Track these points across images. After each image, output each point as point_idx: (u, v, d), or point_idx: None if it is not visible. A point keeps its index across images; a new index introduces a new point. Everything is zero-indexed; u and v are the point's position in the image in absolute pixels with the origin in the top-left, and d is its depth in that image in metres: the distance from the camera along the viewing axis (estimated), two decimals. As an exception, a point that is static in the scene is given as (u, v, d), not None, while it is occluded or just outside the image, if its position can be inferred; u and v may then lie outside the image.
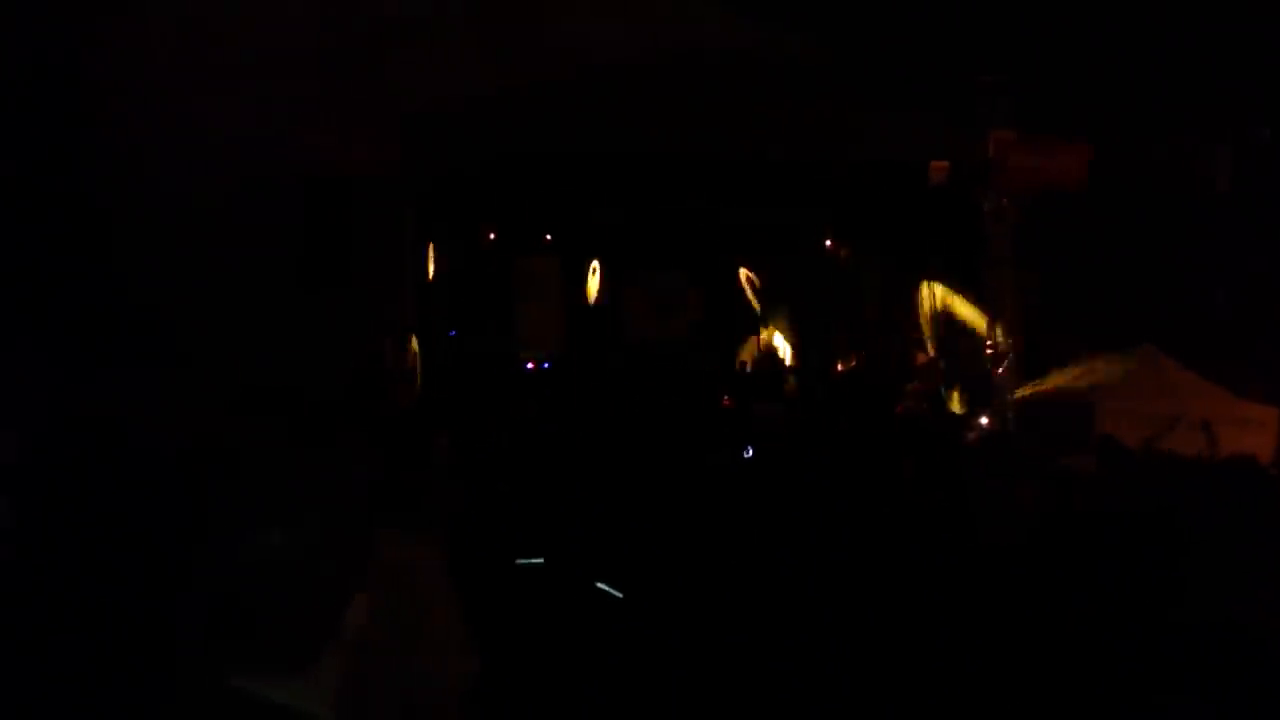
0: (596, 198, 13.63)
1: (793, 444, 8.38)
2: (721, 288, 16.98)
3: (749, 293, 15.56)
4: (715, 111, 8.78)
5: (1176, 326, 8.91)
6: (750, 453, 8.47)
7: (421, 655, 2.90)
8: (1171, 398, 8.10)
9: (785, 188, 12.37)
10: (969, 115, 8.79)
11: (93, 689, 2.98)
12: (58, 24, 7.12)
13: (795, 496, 6.03)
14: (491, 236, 15.50)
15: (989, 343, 9.88)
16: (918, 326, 13.26)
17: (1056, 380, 9.17)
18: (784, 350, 16.59)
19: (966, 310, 12.03)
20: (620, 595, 5.11)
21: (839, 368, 14.76)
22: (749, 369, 15.71)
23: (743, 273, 15.38)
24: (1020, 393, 9.38)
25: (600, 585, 5.12)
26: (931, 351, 12.77)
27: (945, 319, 12.69)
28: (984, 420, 9.57)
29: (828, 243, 15.95)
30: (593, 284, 16.65)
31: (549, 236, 16.02)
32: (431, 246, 12.36)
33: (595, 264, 16.61)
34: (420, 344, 10.24)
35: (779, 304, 16.93)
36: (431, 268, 12.45)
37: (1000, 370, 9.57)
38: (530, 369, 15.52)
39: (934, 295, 12.90)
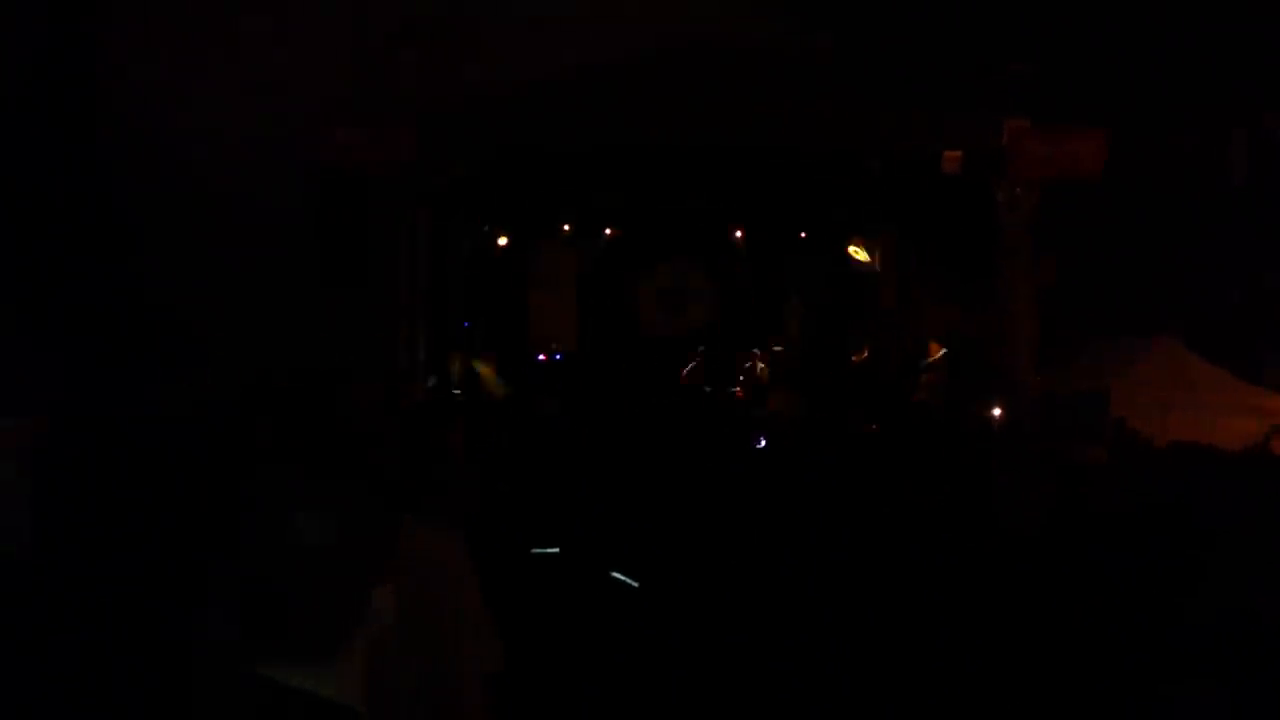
0: (610, 192, 13.63)
1: (806, 435, 8.39)
2: (735, 280, 16.97)
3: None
4: (729, 105, 8.76)
5: (1192, 315, 8.88)
6: (763, 443, 8.49)
7: (446, 644, 2.92)
8: (1187, 386, 8.08)
9: (798, 180, 12.35)
10: (983, 104, 8.75)
11: (120, 677, 3.02)
12: (78, 23, 7.16)
13: (809, 486, 6.05)
14: (505, 231, 15.51)
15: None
16: (932, 318, 13.23)
17: (1071, 369, 9.15)
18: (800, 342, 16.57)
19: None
20: (635, 584, 5.13)
21: (853, 359, 14.73)
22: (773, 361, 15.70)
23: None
24: (1035, 382, 9.36)
25: (616, 574, 5.14)
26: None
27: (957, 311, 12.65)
28: (997, 411, 9.56)
29: (841, 232, 15.91)
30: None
31: (566, 227, 16.03)
32: (446, 241, 12.39)
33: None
34: (436, 337, 10.27)
35: (793, 296, 16.91)
36: (446, 262, 12.47)
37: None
38: (543, 360, 15.55)
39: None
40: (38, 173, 6.90)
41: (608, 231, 16.43)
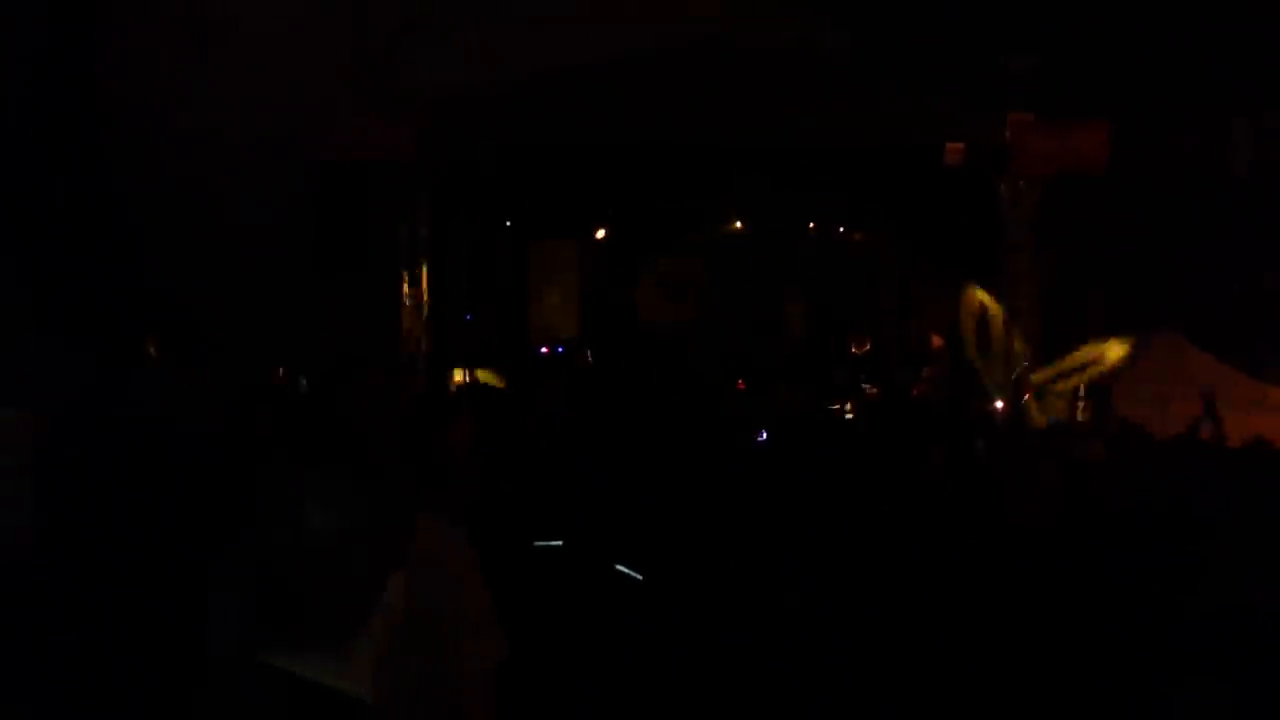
0: (612, 184, 13.62)
1: (809, 428, 8.39)
2: (734, 273, 16.96)
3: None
4: (731, 100, 8.76)
5: (1194, 311, 8.88)
6: (765, 436, 8.49)
7: (449, 636, 2.93)
8: (1188, 381, 8.08)
9: (801, 172, 12.34)
10: (986, 97, 8.75)
11: (130, 669, 3.02)
12: (81, 20, 7.16)
13: (812, 480, 6.04)
14: (507, 222, 15.51)
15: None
16: (933, 312, 13.23)
17: (1073, 363, 9.16)
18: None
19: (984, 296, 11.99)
20: (640, 578, 5.13)
21: (854, 351, 14.74)
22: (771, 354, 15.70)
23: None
24: (1038, 376, 9.37)
25: (619, 568, 5.15)
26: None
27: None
28: (999, 404, 9.56)
29: (843, 227, 15.92)
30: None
31: (567, 220, 16.02)
32: (447, 234, 12.38)
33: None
34: (437, 328, 10.28)
35: (795, 288, 16.91)
36: (447, 255, 12.47)
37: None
38: (544, 353, 15.55)
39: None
40: (40, 167, 6.90)
41: (609, 224, 16.42)
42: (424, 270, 9.63)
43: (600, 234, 16.53)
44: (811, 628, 4.74)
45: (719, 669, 4.77)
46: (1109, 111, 8.72)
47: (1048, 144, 8.80)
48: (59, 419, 4.22)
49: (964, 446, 5.67)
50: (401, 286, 8.84)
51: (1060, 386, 8.57)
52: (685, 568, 5.33)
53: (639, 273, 16.87)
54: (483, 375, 10.85)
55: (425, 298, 9.97)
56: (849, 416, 10.80)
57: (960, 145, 9.14)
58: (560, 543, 4.99)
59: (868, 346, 14.70)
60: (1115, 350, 8.66)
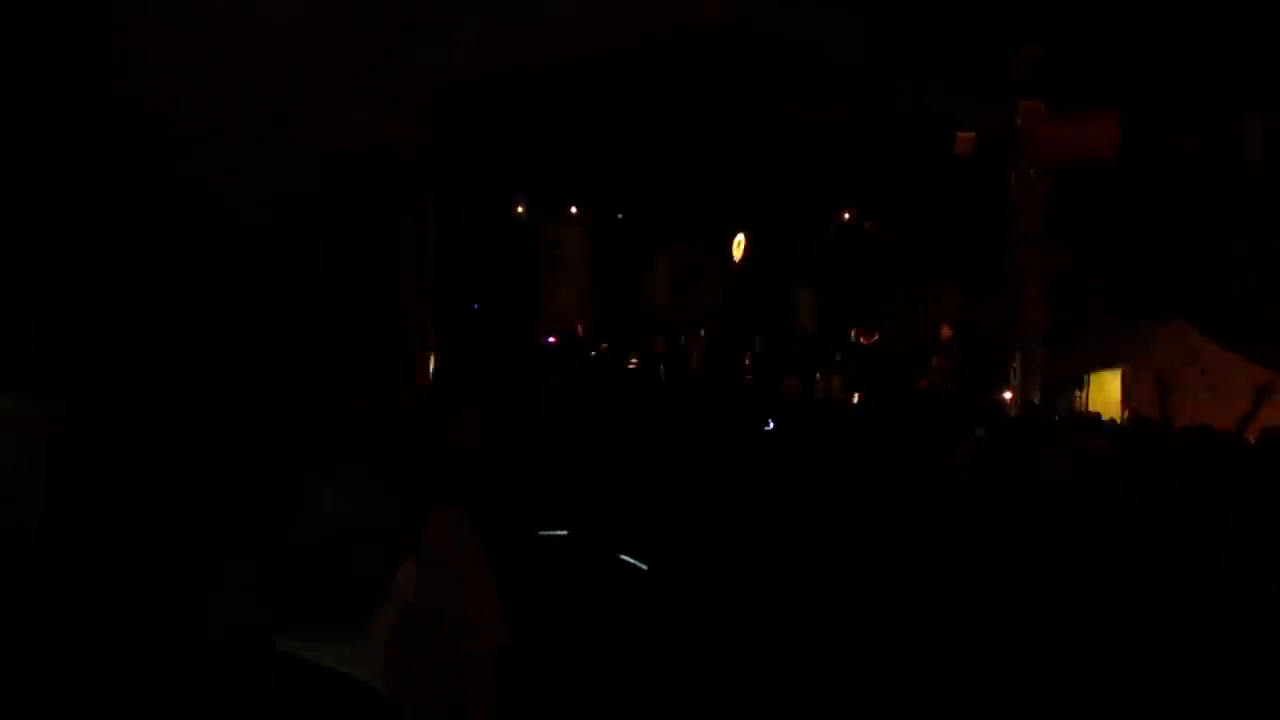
0: (623, 171, 13.60)
1: (816, 419, 8.37)
2: (749, 261, 16.93)
3: None
4: (742, 84, 8.73)
5: (1203, 300, 8.85)
6: (772, 425, 8.48)
7: (454, 622, 2.94)
8: (1198, 369, 8.06)
9: (812, 160, 12.30)
10: (997, 86, 8.71)
11: (140, 654, 3.04)
12: (89, 9, 7.17)
13: (817, 470, 6.03)
14: (516, 213, 15.50)
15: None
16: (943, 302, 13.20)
17: (1082, 352, 9.13)
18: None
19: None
20: (644, 567, 5.14)
21: (863, 341, 14.71)
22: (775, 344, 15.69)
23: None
24: (1046, 365, 9.34)
25: (624, 557, 5.15)
26: None
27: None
28: (1007, 395, 9.54)
29: (849, 216, 15.88)
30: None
31: (576, 209, 16.01)
32: (456, 223, 12.39)
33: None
34: (444, 317, 10.29)
35: (804, 278, 16.88)
36: (456, 244, 12.47)
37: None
38: (553, 343, 15.55)
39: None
40: (46, 158, 6.92)
41: (619, 214, 16.41)
42: (431, 259, 9.62)
43: (611, 224, 16.52)
44: (816, 618, 4.74)
45: (723, 658, 4.77)
46: (1119, 102, 8.67)
47: (1058, 133, 8.76)
48: (74, 406, 4.24)
49: (971, 437, 5.65)
50: (409, 278, 8.83)
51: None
52: (690, 558, 5.34)
53: (649, 262, 16.85)
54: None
55: (432, 287, 9.98)
56: (856, 407, 10.79)
57: (971, 134, 9.11)
58: (565, 532, 5.00)
59: (876, 337, 14.67)
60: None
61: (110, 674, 3.18)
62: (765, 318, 16.03)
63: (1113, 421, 7.48)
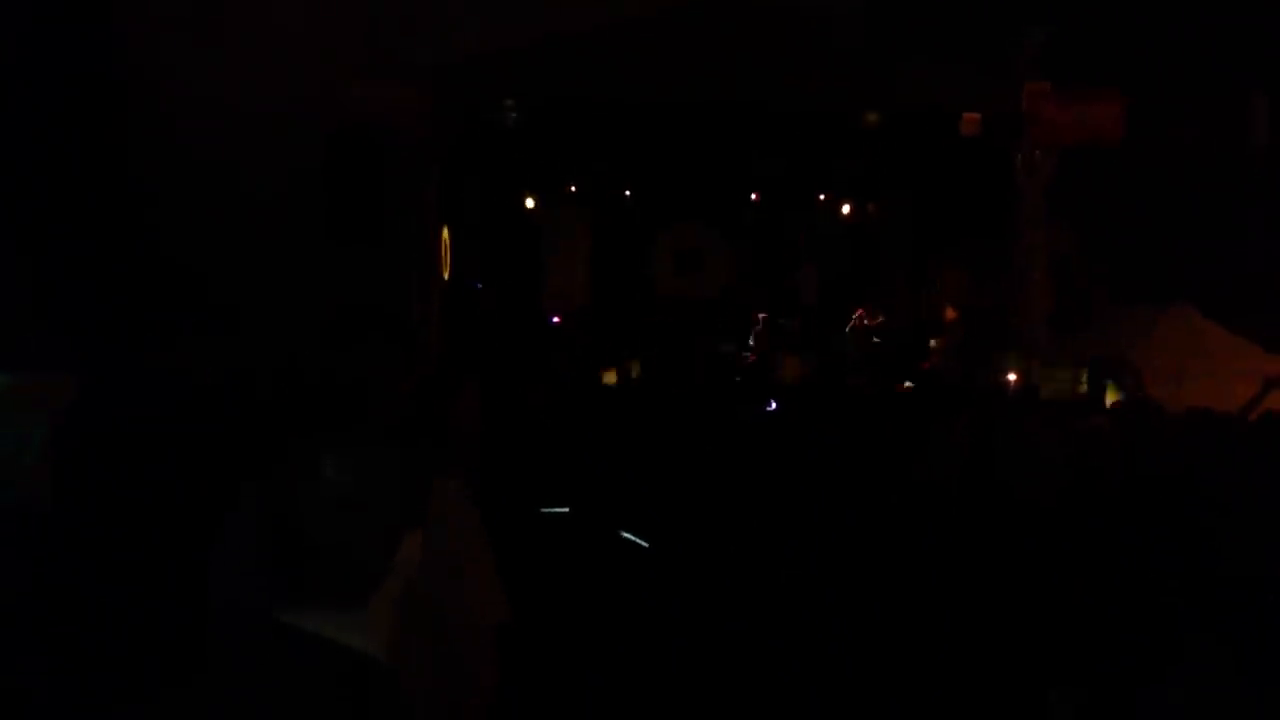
0: (627, 149, 13.56)
1: (818, 398, 8.38)
2: (752, 240, 16.89)
3: None
4: (747, 61, 8.68)
5: (1208, 283, 8.82)
6: (774, 406, 8.49)
7: (454, 597, 2.95)
8: (1202, 354, 8.03)
9: (816, 139, 12.26)
10: (1003, 66, 8.66)
11: (146, 629, 3.05)
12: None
13: (819, 450, 6.04)
14: (519, 190, 15.46)
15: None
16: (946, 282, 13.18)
17: (1087, 336, 9.11)
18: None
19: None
20: (645, 545, 5.15)
21: (866, 323, 14.69)
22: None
23: None
24: (1050, 347, 9.32)
25: (625, 534, 5.16)
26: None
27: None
28: (1011, 376, 9.52)
29: (857, 197, 15.83)
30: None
31: (580, 188, 15.97)
32: (460, 200, 12.35)
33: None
34: (447, 296, 10.28)
35: (809, 257, 16.85)
36: (459, 221, 12.45)
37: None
38: (557, 322, 15.54)
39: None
40: (54, 139, 6.91)
41: (623, 192, 16.36)
42: (436, 236, 9.60)
43: (614, 202, 16.48)
44: (816, 598, 4.75)
45: (724, 636, 4.78)
46: (1125, 83, 8.63)
47: (1064, 114, 8.71)
48: (83, 383, 4.24)
49: (973, 418, 5.65)
50: (412, 252, 8.81)
51: None
52: (691, 536, 5.35)
53: (653, 241, 16.82)
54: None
55: (445, 268, 9.97)
56: (859, 388, 10.78)
57: (977, 115, 9.06)
58: (567, 509, 5.01)
59: (880, 318, 14.65)
60: None
61: (114, 652, 3.19)
62: (769, 297, 16.00)
63: (1116, 404, 7.47)
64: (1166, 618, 3.27)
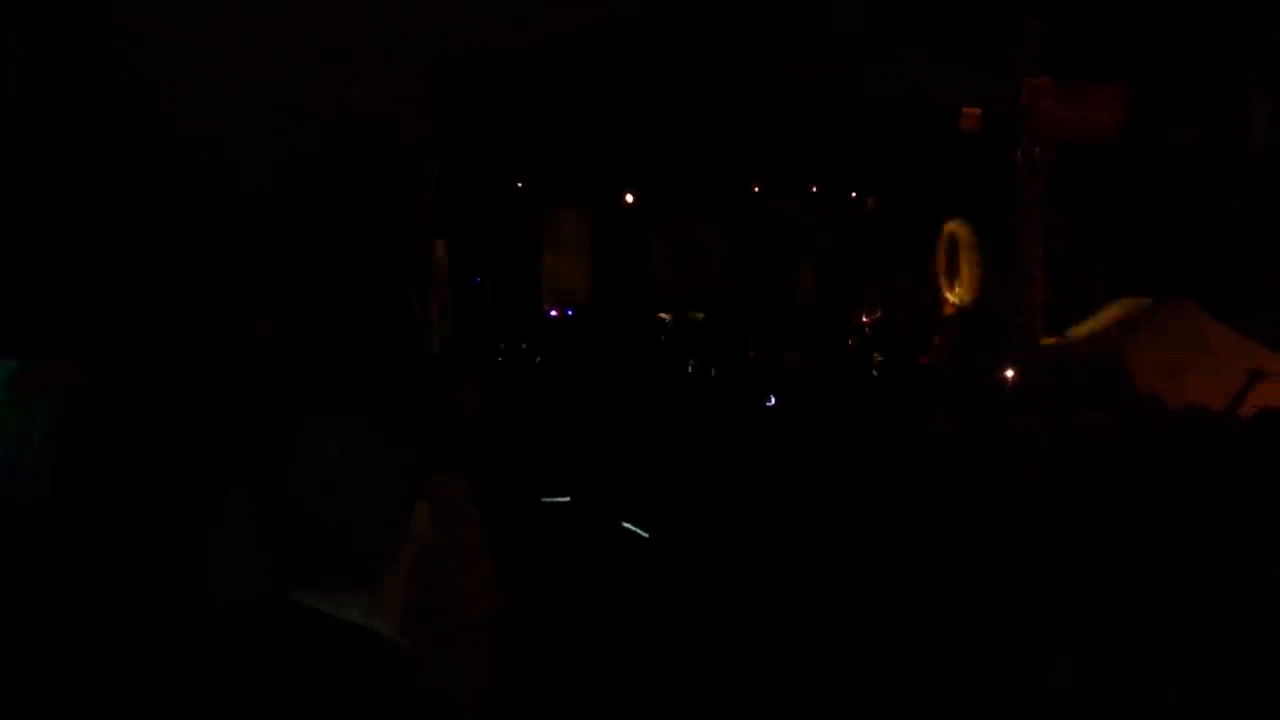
0: (624, 147, 13.56)
1: (817, 394, 8.39)
2: (750, 236, 16.91)
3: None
4: (743, 58, 8.69)
5: (1209, 277, 8.83)
6: (774, 401, 8.49)
7: (452, 585, 2.96)
8: (1201, 350, 8.04)
9: (815, 134, 12.27)
10: (1002, 61, 8.66)
11: (153, 611, 3.06)
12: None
13: (818, 445, 6.05)
14: (517, 186, 15.47)
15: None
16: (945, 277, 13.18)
17: (1085, 329, 9.12)
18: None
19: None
20: (645, 535, 5.16)
21: (865, 319, 14.70)
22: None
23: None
24: (1048, 342, 9.33)
25: (626, 525, 5.18)
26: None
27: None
28: (1009, 372, 9.53)
29: (855, 191, 15.84)
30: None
31: (579, 183, 15.97)
32: (459, 196, 12.35)
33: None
34: (447, 291, 10.29)
35: (807, 253, 16.86)
36: (458, 216, 12.45)
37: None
38: (554, 316, 15.56)
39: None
40: (55, 135, 6.92)
41: (621, 188, 16.37)
42: (432, 231, 9.61)
43: (612, 198, 16.49)
44: (814, 590, 4.77)
45: (723, 626, 4.80)
46: (1125, 79, 8.63)
47: (1063, 109, 8.71)
48: (87, 369, 4.26)
49: (970, 412, 5.66)
50: (410, 247, 8.82)
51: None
52: (691, 527, 5.36)
53: (651, 237, 16.83)
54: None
55: (443, 262, 9.97)
56: (858, 383, 10.79)
57: (976, 111, 9.06)
58: (567, 499, 5.02)
59: (879, 314, 14.66)
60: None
61: (119, 636, 3.20)
62: (766, 292, 16.02)
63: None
64: (1162, 613, 3.28)
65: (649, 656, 4.70)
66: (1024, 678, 3.72)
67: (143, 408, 4.14)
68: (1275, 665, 2.98)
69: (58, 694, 3.19)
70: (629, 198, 16.44)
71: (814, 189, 16.13)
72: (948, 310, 12.52)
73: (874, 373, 11.99)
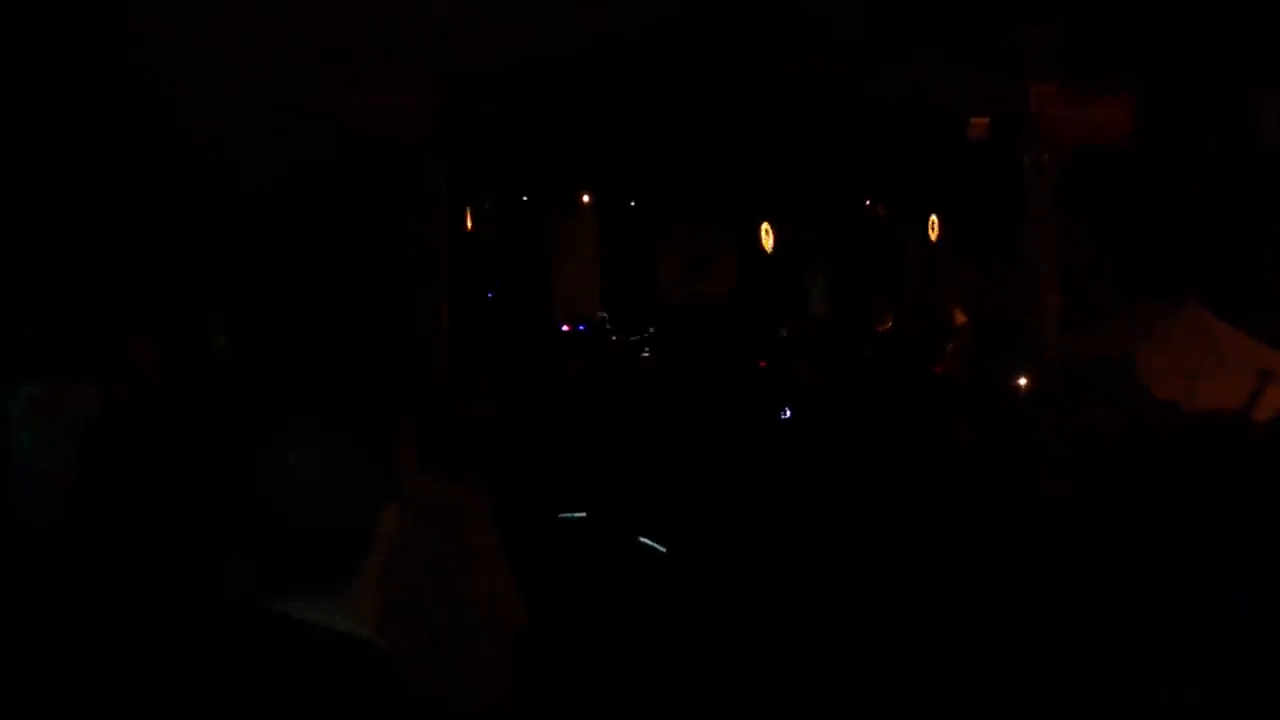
0: (633, 158, 13.59)
1: (831, 404, 8.39)
2: (760, 246, 16.91)
3: None
4: (749, 67, 8.71)
5: (1222, 281, 8.80)
6: (788, 413, 8.50)
7: (469, 600, 2.98)
8: (1214, 354, 8.02)
9: (823, 142, 12.28)
10: (1010, 66, 8.66)
11: (135, 627, 3.08)
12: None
13: (833, 455, 6.06)
14: (527, 198, 15.51)
15: None
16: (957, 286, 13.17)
17: (1097, 334, 9.10)
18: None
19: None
20: (663, 550, 5.17)
21: (877, 328, 14.67)
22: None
23: None
24: (1060, 347, 9.31)
25: (643, 540, 5.19)
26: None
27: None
28: (1022, 380, 9.50)
29: (866, 199, 15.84)
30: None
31: (587, 195, 16.00)
32: (467, 209, 12.41)
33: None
34: (457, 304, 10.34)
35: (817, 262, 16.85)
36: (468, 231, 12.50)
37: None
38: (566, 330, 15.57)
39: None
40: (68, 148, 6.99)
41: (630, 199, 16.39)
42: (442, 245, 9.64)
43: (621, 209, 16.51)
44: (832, 602, 4.77)
45: (741, 641, 4.80)
46: (1133, 81, 8.62)
47: (1072, 115, 8.71)
48: (109, 393, 4.29)
49: (983, 417, 5.67)
50: (420, 260, 8.86)
51: None
52: (708, 541, 5.37)
53: (661, 248, 16.84)
54: None
55: (445, 273, 10.00)
56: (871, 393, 10.77)
57: (984, 120, 9.07)
58: (584, 515, 5.03)
59: (890, 323, 14.64)
60: None
61: (123, 648, 3.22)
62: (779, 303, 16.00)
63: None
64: (1175, 616, 3.29)
65: (665, 668, 4.71)
66: (1036, 679, 3.73)
67: (162, 425, 4.17)
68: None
69: (55, 704, 3.21)
70: (638, 210, 16.46)
71: (824, 197, 16.13)
72: (960, 319, 12.50)
73: (887, 381, 11.96)
